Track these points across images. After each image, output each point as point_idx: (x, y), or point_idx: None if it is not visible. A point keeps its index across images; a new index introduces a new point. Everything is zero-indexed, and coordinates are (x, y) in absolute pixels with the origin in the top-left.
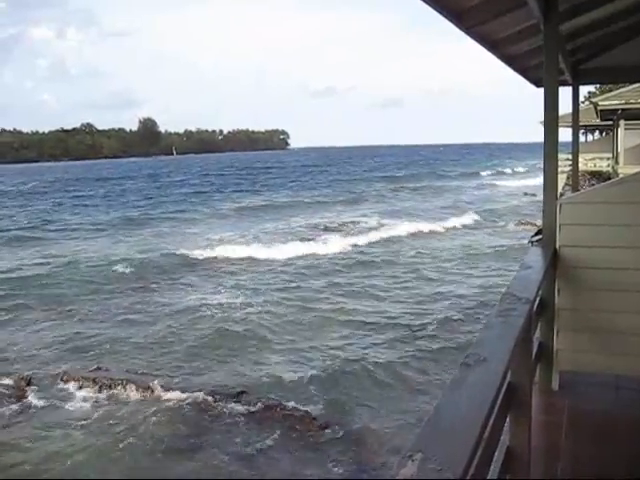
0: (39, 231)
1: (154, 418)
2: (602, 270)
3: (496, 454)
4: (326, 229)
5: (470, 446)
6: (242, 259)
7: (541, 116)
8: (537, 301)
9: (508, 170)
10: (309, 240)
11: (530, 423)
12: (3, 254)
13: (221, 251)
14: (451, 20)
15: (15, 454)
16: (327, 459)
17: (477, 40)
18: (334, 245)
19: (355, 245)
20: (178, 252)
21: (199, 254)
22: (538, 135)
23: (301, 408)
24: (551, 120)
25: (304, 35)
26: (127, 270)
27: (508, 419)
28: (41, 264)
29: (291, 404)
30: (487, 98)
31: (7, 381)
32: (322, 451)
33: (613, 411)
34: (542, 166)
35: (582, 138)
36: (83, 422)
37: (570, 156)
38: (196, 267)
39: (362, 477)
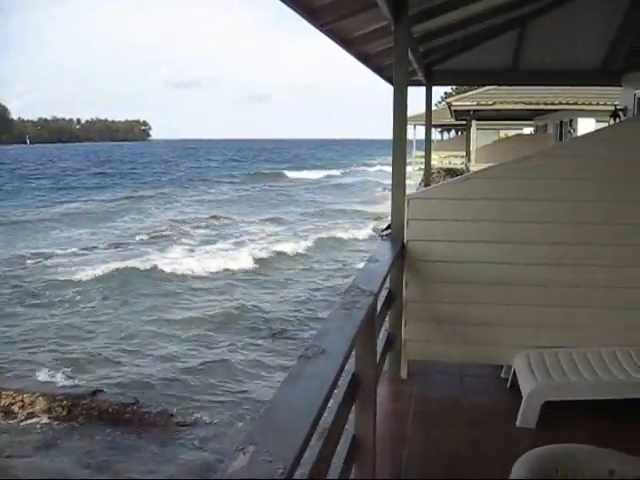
0: None
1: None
2: (447, 263)
3: (343, 442)
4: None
5: (302, 436)
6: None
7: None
8: (386, 293)
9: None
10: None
11: (375, 412)
12: None
13: None
14: (305, 17)
15: None
16: (183, 454)
17: (332, 38)
18: None
19: None
20: None
21: None
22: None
23: (157, 406)
24: (400, 118)
25: (172, 29)
26: None
27: (354, 408)
28: None
29: (146, 402)
30: (353, 94)
31: None
32: (179, 447)
33: (457, 397)
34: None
35: (439, 136)
36: None
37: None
38: None
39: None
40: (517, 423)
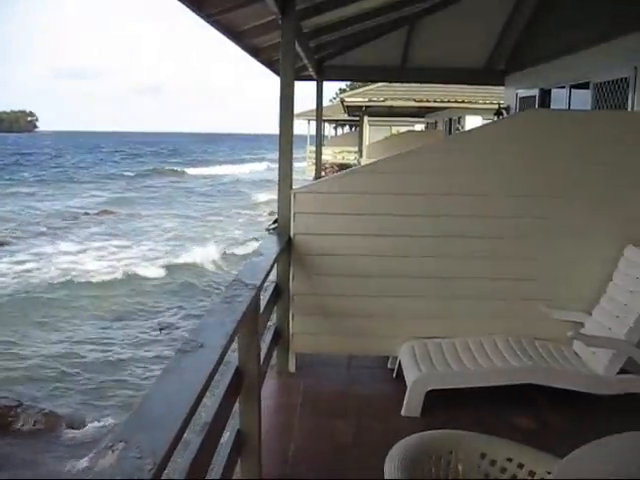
0: None
1: None
2: (334, 256)
3: (229, 438)
4: None
5: (174, 432)
6: None
7: (299, 108)
8: (272, 287)
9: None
10: None
11: (260, 406)
12: None
13: None
14: (191, 8)
15: None
16: (71, 455)
17: (220, 30)
18: None
19: None
20: None
21: None
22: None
23: (44, 407)
24: (286, 113)
25: (62, 19)
26: None
27: (239, 403)
28: None
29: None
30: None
31: None
32: (67, 447)
33: (345, 389)
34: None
35: (333, 132)
36: None
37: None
38: None
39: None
40: (402, 412)
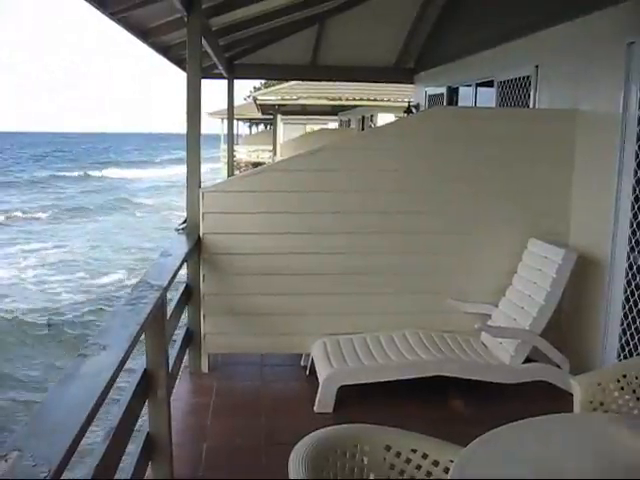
0: None
1: None
2: (244, 255)
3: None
4: None
5: (71, 436)
6: None
7: (209, 107)
8: (184, 288)
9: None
10: None
11: (169, 408)
12: None
13: None
14: (93, 4)
15: None
16: None
17: (126, 28)
18: None
19: None
20: None
21: None
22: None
23: None
24: (193, 111)
25: None
26: None
27: (147, 406)
28: None
29: None
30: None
31: None
32: None
33: (258, 387)
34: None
35: (247, 130)
36: None
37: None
38: None
39: None
40: (315, 409)
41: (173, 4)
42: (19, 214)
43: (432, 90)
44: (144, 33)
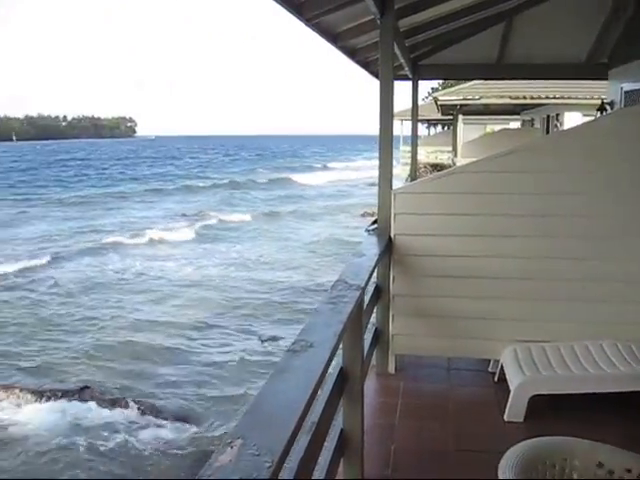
0: None
1: None
2: (434, 257)
3: (332, 437)
4: None
5: (290, 430)
6: None
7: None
8: (373, 288)
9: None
10: None
11: (363, 406)
12: None
13: None
14: (291, 12)
15: None
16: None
17: (318, 32)
18: None
19: None
20: None
21: None
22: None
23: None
24: (386, 113)
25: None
26: None
27: (342, 403)
28: None
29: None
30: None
31: None
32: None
33: (445, 391)
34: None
35: (426, 131)
36: None
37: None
38: None
39: None
40: (505, 417)
41: (367, 6)
42: (226, 217)
43: (630, 86)
44: (334, 37)
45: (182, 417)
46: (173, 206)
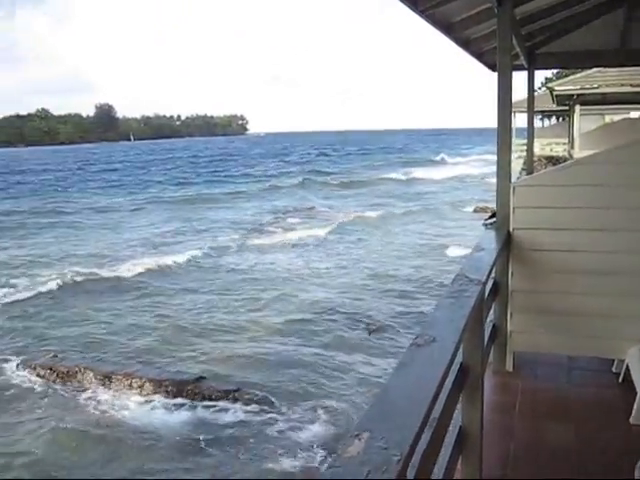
0: None
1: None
2: (554, 252)
3: (450, 434)
4: None
5: (417, 425)
6: None
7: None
8: (490, 283)
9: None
10: None
11: (483, 404)
12: None
13: None
14: (405, 3)
15: None
16: (280, 439)
17: (431, 23)
18: None
19: None
20: None
21: None
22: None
23: (258, 392)
24: (504, 104)
25: (262, 21)
26: None
27: (461, 399)
28: None
29: (247, 388)
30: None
31: None
32: (282, 433)
33: (566, 391)
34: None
35: (539, 123)
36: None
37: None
38: None
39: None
40: (631, 420)
41: None
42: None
43: None
44: (448, 28)
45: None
46: (296, 203)
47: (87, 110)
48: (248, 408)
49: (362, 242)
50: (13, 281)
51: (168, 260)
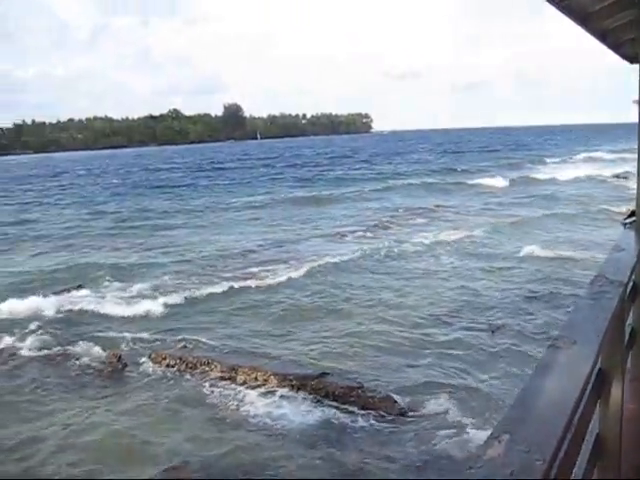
0: None
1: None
2: None
3: (585, 441)
4: None
5: (559, 430)
6: None
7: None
8: (630, 285)
9: None
10: None
11: (622, 411)
12: None
13: None
14: None
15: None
16: (407, 441)
17: (567, 14)
18: None
19: None
20: None
21: None
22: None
23: (382, 391)
24: None
25: (384, 17)
26: None
27: (598, 405)
28: None
29: (372, 386)
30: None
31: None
32: (403, 433)
33: None
34: None
35: None
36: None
37: None
38: None
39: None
40: None
41: None
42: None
43: None
44: (584, 19)
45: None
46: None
47: (216, 110)
48: (372, 406)
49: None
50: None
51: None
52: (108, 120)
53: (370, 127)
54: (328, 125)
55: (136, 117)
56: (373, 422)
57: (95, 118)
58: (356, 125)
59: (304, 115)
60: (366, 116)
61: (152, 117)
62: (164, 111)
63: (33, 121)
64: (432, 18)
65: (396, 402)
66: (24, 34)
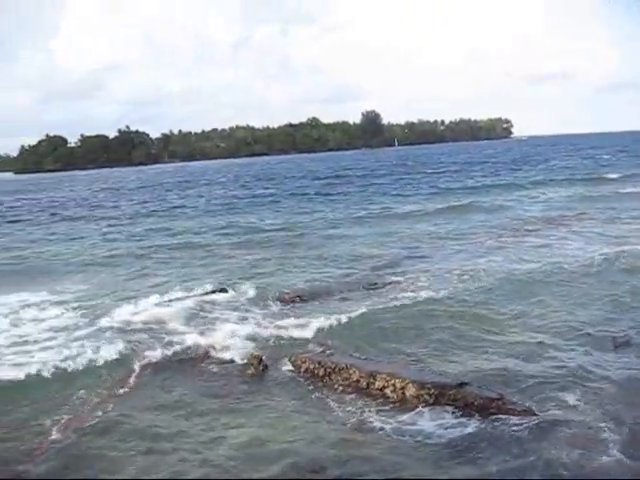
0: None
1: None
2: None
3: None
4: None
5: None
6: None
7: None
8: None
9: None
10: None
11: None
12: None
13: None
14: None
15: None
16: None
17: None
18: None
19: None
20: None
21: None
22: None
23: (522, 402)
24: None
25: (522, 18)
26: None
27: None
28: None
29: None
30: None
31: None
32: (545, 450)
33: None
34: None
35: None
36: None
37: None
38: None
39: None
40: None
41: None
42: None
43: None
44: None
45: None
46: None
47: (354, 117)
48: (514, 420)
49: None
50: None
51: None
52: (250, 129)
53: (510, 132)
54: (467, 131)
55: (276, 126)
56: (514, 434)
57: (237, 127)
58: (496, 131)
59: (442, 121)
60: (506, 121)
61: (291, 125)
62: (301, 119)
63: (180, 131)
64: (574, 17)
65: (536, 415)
66: (172, 53)
